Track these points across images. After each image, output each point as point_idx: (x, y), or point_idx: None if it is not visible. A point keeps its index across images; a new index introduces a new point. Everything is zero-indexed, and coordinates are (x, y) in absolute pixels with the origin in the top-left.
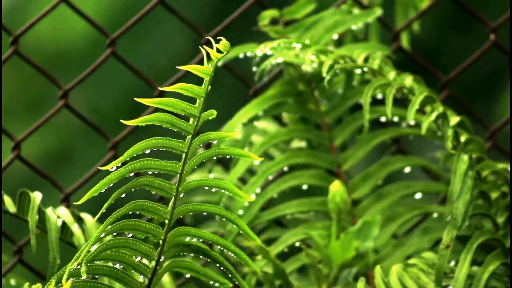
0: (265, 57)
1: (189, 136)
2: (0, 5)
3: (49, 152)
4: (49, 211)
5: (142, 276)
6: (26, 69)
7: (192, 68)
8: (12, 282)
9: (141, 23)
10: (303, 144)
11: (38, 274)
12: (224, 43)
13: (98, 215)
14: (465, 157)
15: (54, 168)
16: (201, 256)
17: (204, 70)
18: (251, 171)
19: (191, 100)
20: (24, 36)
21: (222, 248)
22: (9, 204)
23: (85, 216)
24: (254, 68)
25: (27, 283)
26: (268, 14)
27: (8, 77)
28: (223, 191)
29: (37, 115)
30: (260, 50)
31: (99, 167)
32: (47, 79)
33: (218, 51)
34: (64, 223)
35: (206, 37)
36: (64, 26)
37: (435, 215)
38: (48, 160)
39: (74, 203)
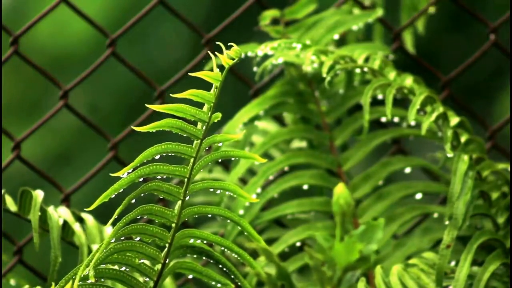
0: (265, 57)
1: (197, 141)
2: (0, 5)
3: (49, 153)
4: (50, 209)
5: (147, 279)
6: (26, 69)
7: (202, 74)
8: (12, 282)
9: (140, 24)
10: (303, 144)
11: (38, 274)
12: (236, 49)
13: (110, 221)
14: (466, 157)
15: (54, 168)
16: (204, 257)
17: (214, 76)
18: (251, 171)
19: (189, 102)
20: (25, 38)
21: (223, 249)
22: (10, 203)
23: (86, 216)
24: (254, 68)
25: (26, 286)
26: (269, 14)
27: (8, 77)
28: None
29: (37, 115)
30: (261, 50)
31: (111, 174)
32: (47, 79)
33: (229, 57)
34: (65, 222)
35: (207, 38)
36: (65, 28)
37: (435, 215)
38: (48, 160)
39: (85, 209)
